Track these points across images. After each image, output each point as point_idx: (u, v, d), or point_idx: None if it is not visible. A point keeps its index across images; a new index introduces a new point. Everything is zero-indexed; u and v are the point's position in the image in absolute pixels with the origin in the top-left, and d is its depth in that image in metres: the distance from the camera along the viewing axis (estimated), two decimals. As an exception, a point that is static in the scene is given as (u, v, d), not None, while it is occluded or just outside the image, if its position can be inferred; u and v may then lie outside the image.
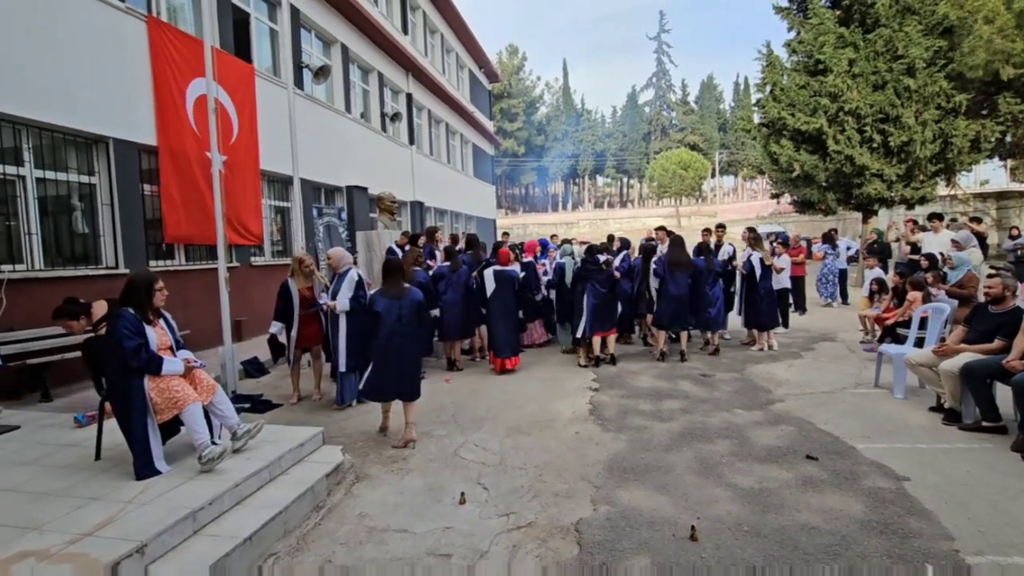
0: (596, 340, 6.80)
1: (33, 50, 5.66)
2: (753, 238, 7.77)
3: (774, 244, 9.86)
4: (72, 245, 6.32)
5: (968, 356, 4.38)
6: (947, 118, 13.89)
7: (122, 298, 3.36)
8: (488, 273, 6.72)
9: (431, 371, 6.69)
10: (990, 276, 4.65)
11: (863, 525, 2.97)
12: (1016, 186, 23.80)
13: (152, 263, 7.09)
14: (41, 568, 2.30)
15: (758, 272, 7.45)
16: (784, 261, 9.15)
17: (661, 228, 8.62)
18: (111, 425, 3.36)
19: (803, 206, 16.94)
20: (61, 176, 6.09)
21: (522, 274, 7.16)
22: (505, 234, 11.02)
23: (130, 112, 6.73)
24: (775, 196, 19.21)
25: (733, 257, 8.30)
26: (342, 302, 5.02)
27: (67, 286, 5.96)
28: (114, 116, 6.53)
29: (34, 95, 5.63)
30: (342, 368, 5.17)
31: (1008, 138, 15.70)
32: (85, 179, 6.37)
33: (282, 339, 5.65)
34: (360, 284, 5.15)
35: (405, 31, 16.59)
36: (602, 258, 6.89)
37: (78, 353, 4.97)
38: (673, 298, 7.02)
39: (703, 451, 4.07)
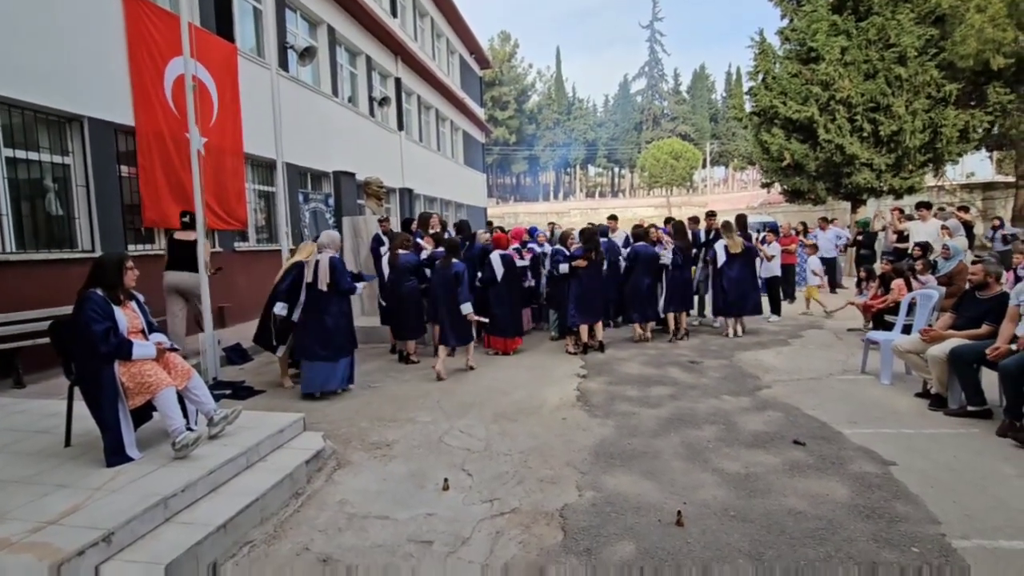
0: (583, 328, 6.74)
1: (1, 25, 5.42)
2: (724, 225, 7.67)
3: (764, 233, 9.86)
4: (46, 228, 6.12)
5: (955, 341, 4.37)
6: (937, 108, 13.93)
7: (90, 279, 3.23)
8: (495, 257, 6.69)
9: (419, 358, 6.61)
10: (974, 263, 4.65)
11: (850, 509, 2.95)
12: (1002, 178, 24.02)
13: (131, 247, 6.92)
14: (0, 557, 2.20)
15: (720, 260, 7.44)
16: (774, 249, 9.15)
17: (612, 217, 8.62)
18: (83, 411, 3.24)
19: (793, 195, 16.97)
20: (33, 156, 5.88)
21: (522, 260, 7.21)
22: (489, 223, 10.93)
23: (106, 91, 6.51)
24: (765, 186, 19.21)
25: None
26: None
27: (40, 270, 5.80)
28: (89, 95, 6.31)
29: (2, 71, 5.40)
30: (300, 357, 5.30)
31: (996, 129, 15.77)
32: (59, 159, 6.16)
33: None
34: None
35: (394, 14, 16.27)
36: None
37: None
38: (678, 284, 7.25)
39: (690, 437, 4.04)
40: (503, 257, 6.73)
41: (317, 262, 5.08)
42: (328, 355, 5.08)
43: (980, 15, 12.70)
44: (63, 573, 2.16)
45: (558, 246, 7.23)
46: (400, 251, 6.34)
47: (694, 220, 8.61)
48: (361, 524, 2.93)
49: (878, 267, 7.97)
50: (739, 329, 7.65)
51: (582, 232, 6.97)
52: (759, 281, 8.37)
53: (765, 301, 9.09)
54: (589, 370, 6.02)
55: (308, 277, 5.08)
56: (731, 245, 7.46)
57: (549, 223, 10.65)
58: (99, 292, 3.16)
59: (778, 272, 9.11)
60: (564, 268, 6.65)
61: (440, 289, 5.92)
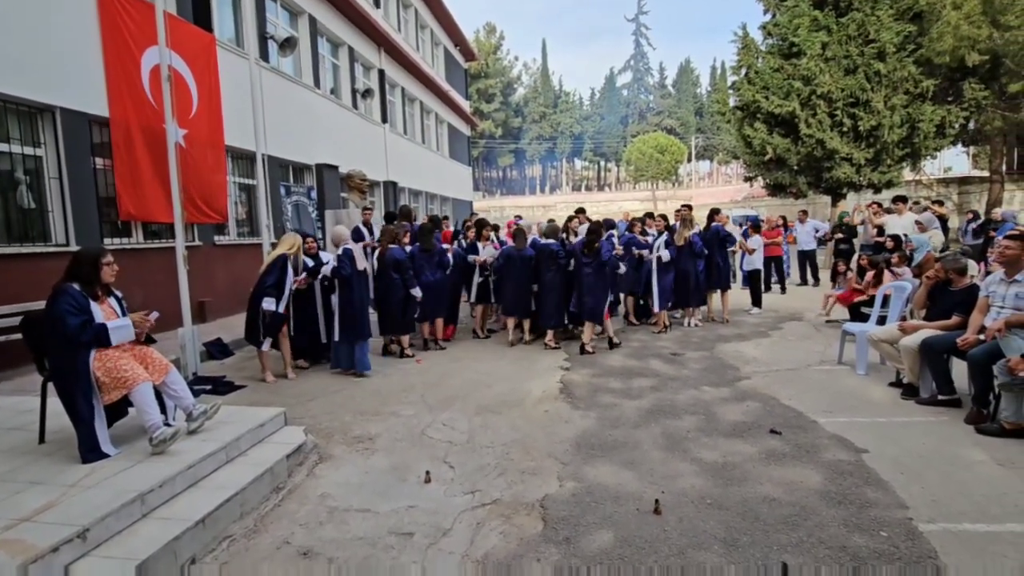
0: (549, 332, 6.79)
1: (-34, 10, 5.26)
2: (683, 218, 7.75)
3: (746, 227, 9.99)
4: (18, 221, 5.97)
5: (927, 332, 4.48)
6: (914, 103, 14.18)
7: (67, 273, 3.17)
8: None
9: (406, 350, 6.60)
10: (937, 260, 4.80)
11: (822, 496, 3.02)
12: (977, 173, 24.55)
13: (107, 241, 6.78)
14: (-29, 556, 2.17)
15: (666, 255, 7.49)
16: (755, 243, 9.27)
17: (581, 211, 8.66)
18: (57, 408, 3.19)
19: (775, 189, 17.19)
20: (3, 147, 5.72)
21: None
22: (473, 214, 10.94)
23: (79, 81, 6.35)
24: (748, 179, 19.42)
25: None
26: (325, 269, 5.78)
27: (12, 263, 5.67)
28: (61, 85, 6.15)
29: (-31, 59, 5.25)
30: (335, 338, 5.68)
31: (971, 125, 16.11)
32: (30, 151, 6.00)
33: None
34: (343, 258, 5.65)
35: (377, 4, 16.05)
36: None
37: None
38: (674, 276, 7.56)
39: (670, 427, 4.10)
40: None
41: (379, 251, 6.10)
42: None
43: (956, 12, 12.94)
44: (34, 571, 2.14)
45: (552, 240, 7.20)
46: (390, 246, 6.31)
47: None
48: (342, 517, 2.93)
49: (856, 260, 8.13)
50: (691, 321, 7.94)
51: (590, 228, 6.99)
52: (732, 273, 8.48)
53: (746, 294, 9.25)
54: (572, 362, 6.06)
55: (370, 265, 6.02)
56: (676, 238, 7.57)
57: (515, 216, 10.68)
58: (75, 286, 3.11)
59: (759, 265, 9.23)
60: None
61: (519, 271, 6.79)
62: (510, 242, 7.58)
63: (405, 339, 6.52)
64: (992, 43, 13.20)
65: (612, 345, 6.61)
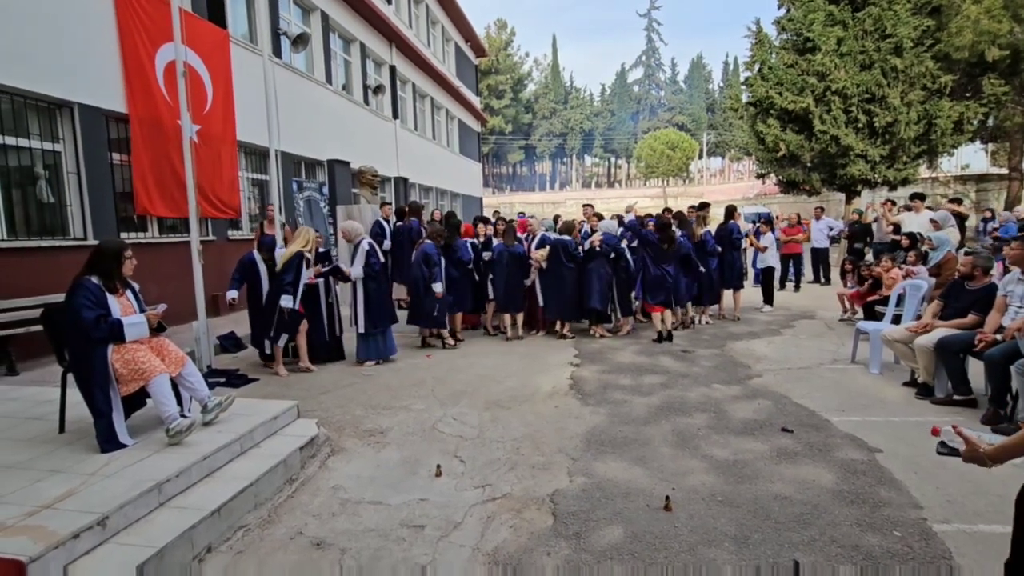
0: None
1: (-13, 7, 5.34)
2: (698, 216, 7.74)
3: (758, 224, 9.89)
4: (37, 215, 6.08)
5: (942, 331, 4.43)
6: (932, 99, 13.95)
7: (88, 266, 3.22)
8: (465, 244, 7.22)
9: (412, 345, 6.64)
10: (966, 255, 4.72)
11: (835, 495, 3.01)
12: (996, 170, 24.09)
13: (123, 235, 6.87)
14: (-5, 541, 2.22)
15: None
16: (768, 240, 9.18)
17: (589, 206, 8.64)
18: (77, 398, 3.25)
19: (788, 186, 17.01)
20: (23, 143, 5.82)
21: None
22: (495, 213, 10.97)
23: (97, 77, 6.44)
24: (761, 176, 19.22)
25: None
26: (356, 271, 5.77)
27: (32, 257, 5.77)
28: (79, 81, 6.24)
29: (-10, 55, 5.34)
30: (361, 330, 5.85)
31: (990, 121, 15.82)
32: (49, 146, 6.10)
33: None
34: (372, 252, 5.85)
35: (389, 0, 16.08)
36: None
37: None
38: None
39: (681, 424, 4.09)
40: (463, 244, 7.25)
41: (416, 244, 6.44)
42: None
43: (976, 6, 12.70)
44: (56, 556, 2.19)
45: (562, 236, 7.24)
46: (426, 240, 6.44)
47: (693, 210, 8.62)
48: (354, 509, 2.97)
49: (870, 261, 8.03)
50: (702, 318, 7.97)
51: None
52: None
53: (758, 291, 9.17)
54: (582, 358, 6.06)
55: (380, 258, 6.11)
56: (692, 234, 7.55)
57: (519, 213, 10.73)
58: (94, 279, 3.16)
59: (771, 263, 9.14)
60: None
61: (507, 267, 6.87)
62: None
63: (445, 331, 6.72)
64: (1012, 38, 12.95)
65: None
